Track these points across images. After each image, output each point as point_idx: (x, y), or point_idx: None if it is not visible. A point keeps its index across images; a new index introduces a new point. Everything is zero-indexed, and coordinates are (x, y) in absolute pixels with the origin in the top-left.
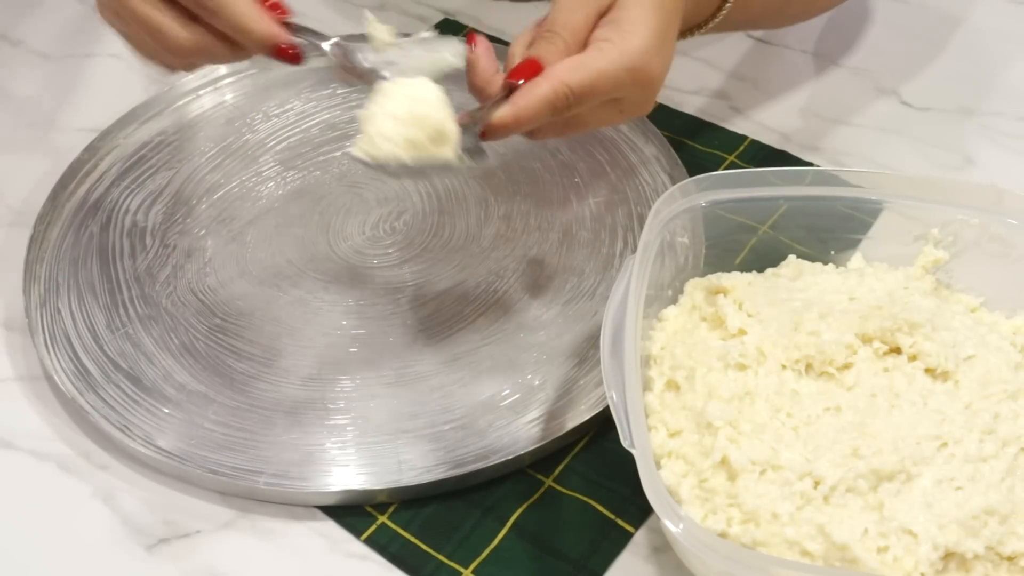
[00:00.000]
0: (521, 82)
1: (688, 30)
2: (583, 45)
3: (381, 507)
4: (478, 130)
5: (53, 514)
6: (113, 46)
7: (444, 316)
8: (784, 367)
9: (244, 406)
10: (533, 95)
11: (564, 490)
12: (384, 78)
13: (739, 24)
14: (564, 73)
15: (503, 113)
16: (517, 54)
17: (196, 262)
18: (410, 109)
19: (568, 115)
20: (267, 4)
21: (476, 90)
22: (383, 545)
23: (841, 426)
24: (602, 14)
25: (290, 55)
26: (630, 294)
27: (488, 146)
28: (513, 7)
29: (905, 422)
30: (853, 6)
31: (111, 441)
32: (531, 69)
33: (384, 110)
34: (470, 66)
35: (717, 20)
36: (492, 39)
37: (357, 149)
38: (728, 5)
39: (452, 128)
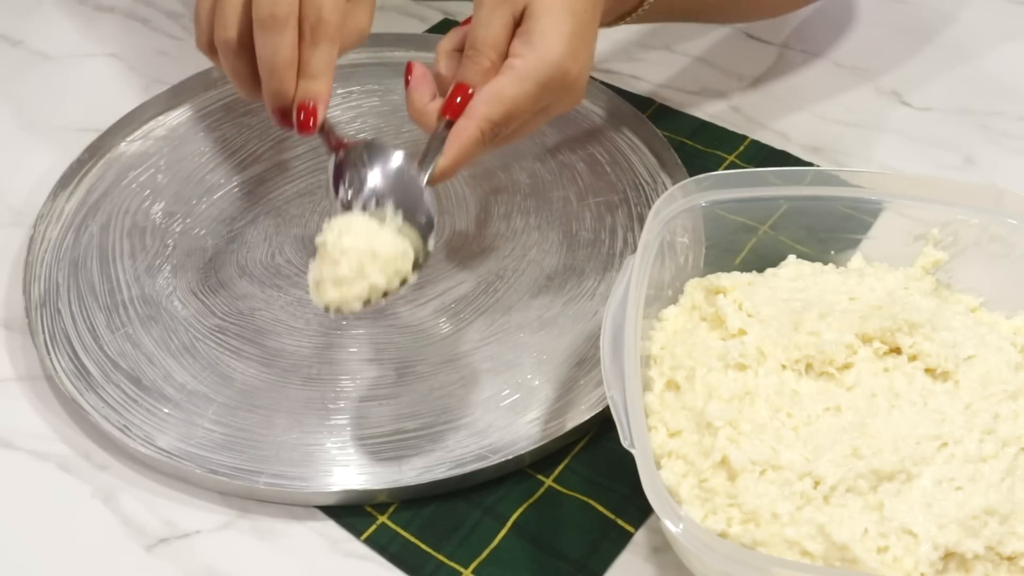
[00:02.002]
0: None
1: (617, 18)
2: (504, 56)
3: (381, 507)
4: (424, 180)
5: (53, 514)
6: (113, 46)
7: (444, 316)
8: (784, 367)
9: (244, 406)
10: (462, 139)
11: (564, 490)
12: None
13: (678, 14)
14: (484, 109)
15: (441, 166)
16: (442, 65)
17: (196, 262)
18: (347, 267)
19: (499, 139)
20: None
21: (414, 120)
22: (383, 545)
23: (841, 426)
24: (517, 22)
25: (305, 119)
26: (630, 294)
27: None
28: None
29: (905, 422)
30: (854, 6)
31: (111, 441)
32: (459, 106)
33: (324, 275)
34: (407, 98)
35: (645, 8)
36: None
37: (320, 304)
38: None
39: (390, 252)
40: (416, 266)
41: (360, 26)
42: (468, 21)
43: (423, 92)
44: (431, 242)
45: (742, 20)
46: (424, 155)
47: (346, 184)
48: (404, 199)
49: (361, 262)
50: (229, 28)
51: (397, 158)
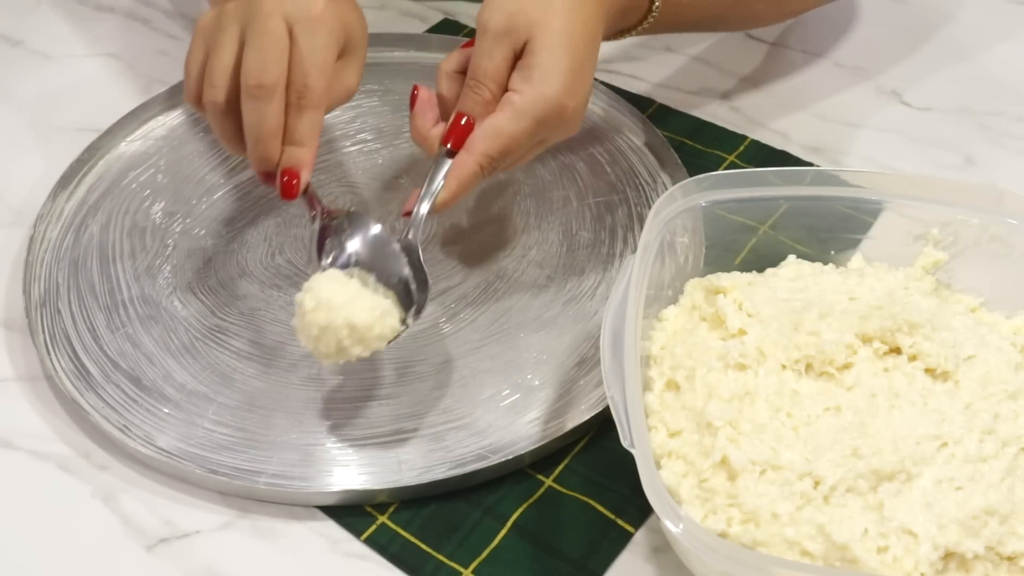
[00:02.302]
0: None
1: (617, 34)
2: (503, 90)
3: (381, 507)
4: (425, 209)
5: (53, 514)
6: (113, 46)
7: (444, 316)
8: (784, 367)
9: (244, 406)
10: (462, 173)
11: (564, 490)
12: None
13: (679, 26)
14: (483, 145)
15: (442, 199)
16: (443, 87)
17: (196, 262)
18: (326, 345)
19: (496, 171)
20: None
21: (417, 143)
22: (383, 545)
23: (841, 426)
24: (517, 55)
25: (287, 185)
26: (630, 294)
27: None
28: None
29: (905, 422)
30: (854, 6)
31: (111, 441)
32: (460, 135)
33: (306, 346)
34: (411, 122)
35: (648, 23)
36: None
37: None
38: (656, 7)
39: (366, 321)
40: (403, 322)
41: (348, 85)
42: (470, 44)
43: (426, 118)
44: (410, 319)
45: (741, 29)
46: (425, 187)
47: (329, 254)
48: (385, 271)
49: (339, 338)
50: (218, 90)
51: (376, 231)
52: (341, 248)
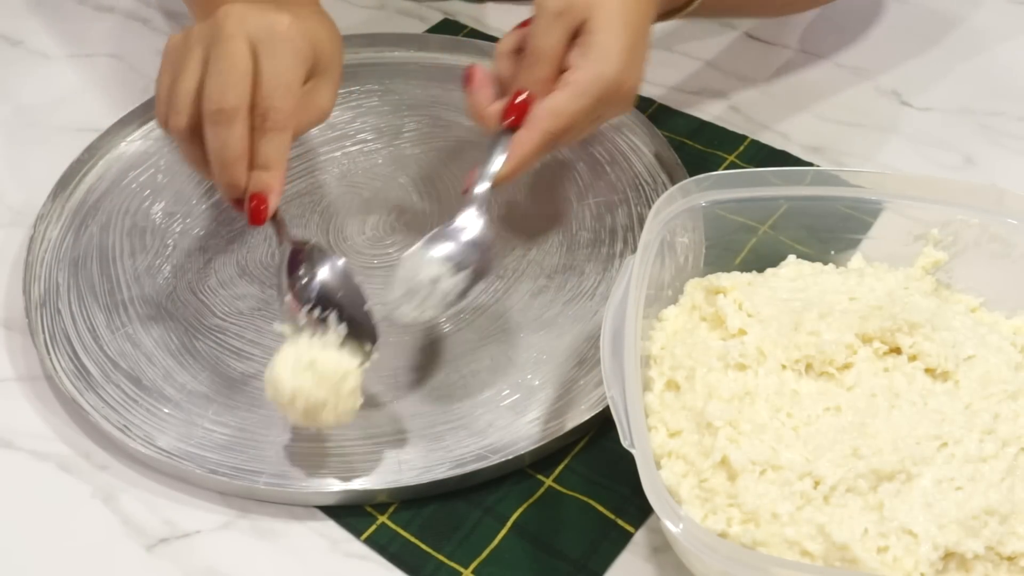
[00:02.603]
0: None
1: (668, 13)
2: (560, 67)
3: (381, 507)
4: (486, 185)
5: (53, 514)
6: (113, 46)
7: (444, 316)
8: (784, 367)
9: (244, 406)
10: (524, 149)
11: (564, 490)
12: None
13: (724, 10)
14: (545, 123)
15: (503, 173)
16: (502, 66)
17: (196, 262)
18: (298, 417)
19: (555, 147)
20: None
21: (475, 120)
22: (383, 545)
23: (841, 426)
24: (575, 33)
25: (255, 211)
26: (630, 294)
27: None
28: (513, 8)
29: (905, 422)
30: (854, 5)
31: (111, 441)
32: (519, 112)
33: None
34: (468, 100)
35: (695, 5)
36: (492, 39)
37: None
38: None
39: (335, 397)
40: (368, 354)
41: (320, 105)
42: (526, 23)
43: (484, 95)
44: (373, 355)
45: (782, 14)
46: (484, 163)
47: (295, 289)
48: (349, 303)
49: (310, 414)
50: (181, 115)
51: (341, 266)
52: (310, 277)
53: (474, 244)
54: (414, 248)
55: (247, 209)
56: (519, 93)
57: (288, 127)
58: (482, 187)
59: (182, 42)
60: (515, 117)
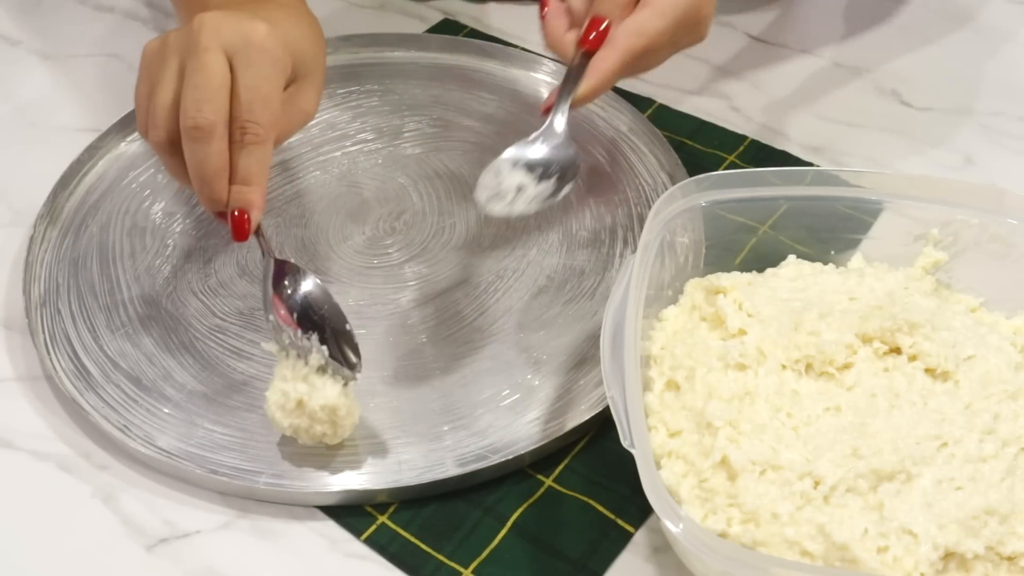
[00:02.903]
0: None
1: None
2: None
3: (381, 507)
4: (566, 107)
5: (53, 514)
6: (113, 46)
7: (444, 316)
8: (784, 367)
9: (244, 406)
10: (604, 68)
11: (564, 490)
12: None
13: None
14: (627, 41)
15: (583, 92)
16: (576, 3)
17: (196, 262)
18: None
19: (633, 71)
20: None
21: (552, 48)
22: (383, 545)
23: (841, 426)
24: None
25: (238, 225)
26: (630, 294)
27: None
28: (513, 8)
29: (905, 422)
30: (854, 5)
31: (111, 441)
32: (598, 38)
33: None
34: (543, 28)
35: None
36: (492, 39)
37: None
38: None
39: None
40: (354, 371)
41: (304, 109)
42: None
43: (560, 23)
44: (358, 372)
45: None
46: (563, 84)
47: (281, 305)
48: (333, 323)
49: (314, 439)
50: (160, 130)
51: (321, 284)
52: (294, 291)
53: (556, 152)
54: (499, 158)
55: (230, 224)
56: (598, 20)
57: (268, 140)
58: (563, 106)
59: (159, 50)
60: (594, 42)
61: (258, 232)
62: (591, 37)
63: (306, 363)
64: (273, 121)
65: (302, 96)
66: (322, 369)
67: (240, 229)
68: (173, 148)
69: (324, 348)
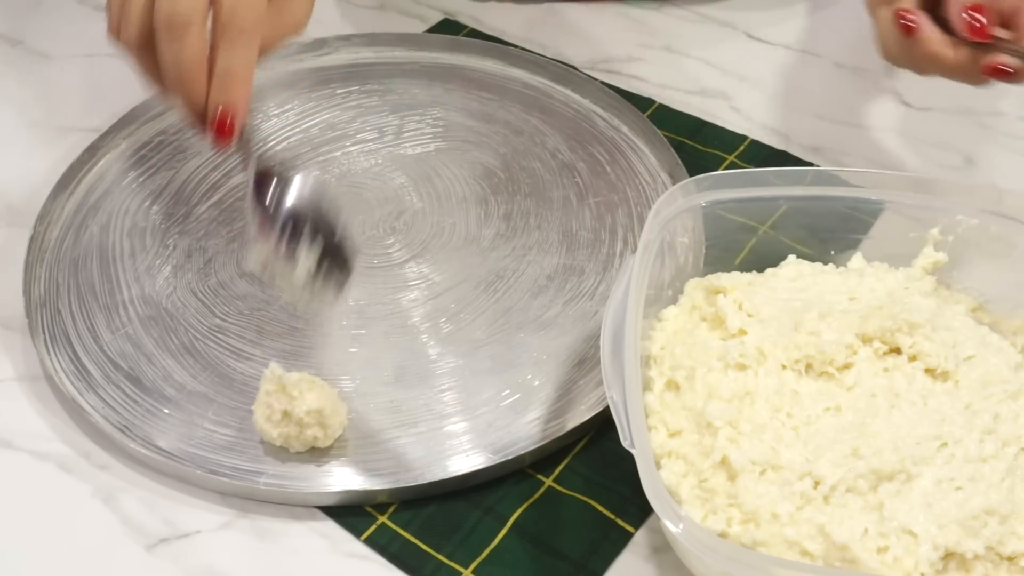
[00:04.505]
0: None
1: None
2: None
3: (381, 507)
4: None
5: (53, 514)
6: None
7: (444, 316)
8: (784, 367)
9: (244, 406)
10: None
11: (564, 490)
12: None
13: None
14: None
15: None
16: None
17: (196, 262)
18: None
19: None
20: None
21: (937, 63)
22: (383, 545)
23: (841, 426)
24: None
25: (219, 127)
26: (630, 294)
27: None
28: (513, 7)
29: (905, 422)
30: (854, 5)
31: (111, 441)
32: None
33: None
34: (925, 48)
35: None
36: (492, 39)
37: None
38: None
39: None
40: (342, 284)
41: (295, 18)
42: None
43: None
44: (346, 288)
45: None
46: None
47: (260, 221)
48: (325, 223)
49: (306, 445)
50: (132, 27)
51: (312, 185)
52: (278, 204)
53: None
54: None
55: (210, 127)
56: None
57: (254, 33)
58: None
59: None
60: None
61: (243, 141)
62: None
63: (293, 276)
64: (257, 20)
65: (293, 4)
66: (312, 278)
67: (222, 131)
68: (147, 49)
69: (312, 258)
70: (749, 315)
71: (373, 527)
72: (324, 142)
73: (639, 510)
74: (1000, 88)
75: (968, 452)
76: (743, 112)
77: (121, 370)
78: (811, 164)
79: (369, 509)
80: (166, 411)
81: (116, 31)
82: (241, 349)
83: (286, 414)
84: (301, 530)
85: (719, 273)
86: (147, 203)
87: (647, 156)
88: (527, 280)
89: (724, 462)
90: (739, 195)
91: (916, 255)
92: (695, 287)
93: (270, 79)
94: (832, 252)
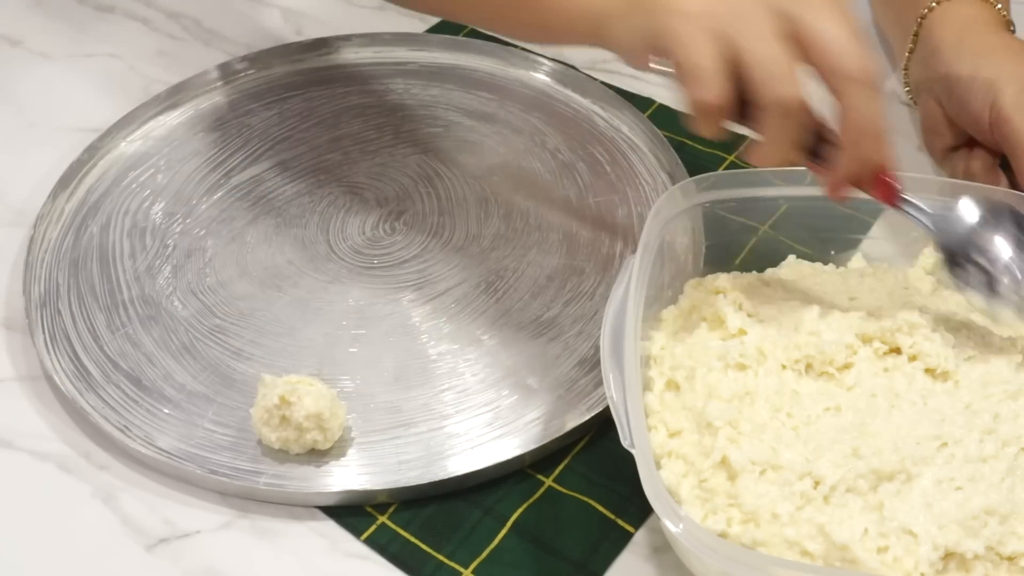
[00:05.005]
0: None
1: None
2: None
3: (381, 507)
4: None
5: (53, 514)
6: (113, 46)
7: (444, 316)
8: (784, 367)
9: (244, 406)
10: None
11: (564, 490)
12: None
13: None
14: None
15: None
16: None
17: (196, 262)
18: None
19: None
20: None
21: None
22: (383, 545)
23: (841, 426)
24: None
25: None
26: (630, 294)
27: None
28: None
29: (905, 422)
30: (854, 6)
31: (111, 441)
32: None
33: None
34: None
35: None
36: (492, 39)
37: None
38: None
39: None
40: None
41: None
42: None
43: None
44: None
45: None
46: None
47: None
48: None
49: (306, 448)
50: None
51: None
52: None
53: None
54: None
55: (870, 188)
56: None
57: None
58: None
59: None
60: None
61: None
62: None
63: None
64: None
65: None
66: None
67: (889, 190)
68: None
69: None
70: (749, 315)
71: (373, 527)
72: (324, 142)
73: (639, 510)
74: None
75: (968, 452)
76: None
77: (121, 370)
78: None
79: (369, 509)
80: (166, 411)
81: (713, 97)
82: (241, 349)
83: (284, 419)
84: (301, 530)
85: (719, 273)
86: (147, 203)
87: (647, 156)
88: (527, 280)
89: (724, 462)
90: (739, 195)
91: (916, 255)
92: (695, 287)
93: (270, 79)
94: (832, 252)
